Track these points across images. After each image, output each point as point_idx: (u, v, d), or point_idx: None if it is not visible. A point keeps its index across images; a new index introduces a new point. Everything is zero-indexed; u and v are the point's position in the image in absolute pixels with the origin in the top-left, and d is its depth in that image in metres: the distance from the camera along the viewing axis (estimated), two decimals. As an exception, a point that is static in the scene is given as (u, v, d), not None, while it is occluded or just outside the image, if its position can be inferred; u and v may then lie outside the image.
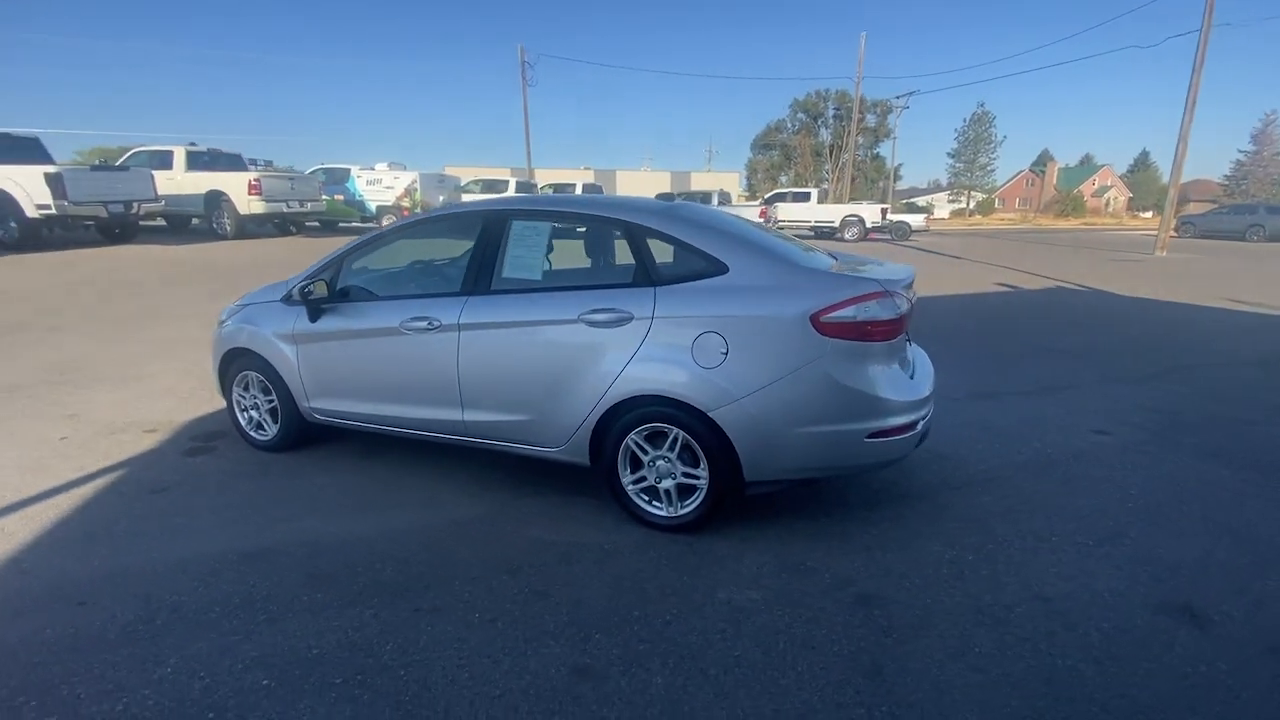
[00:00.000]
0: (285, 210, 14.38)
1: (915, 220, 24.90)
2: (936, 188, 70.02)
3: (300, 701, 1.78)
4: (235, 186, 13.36)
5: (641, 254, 2.68)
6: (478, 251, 2.95)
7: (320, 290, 3.15)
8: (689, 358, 2.49)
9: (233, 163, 14.36)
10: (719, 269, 2.56)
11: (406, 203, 16.45)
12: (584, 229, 2.99)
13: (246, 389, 3.58)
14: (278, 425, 3.51)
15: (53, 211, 10.21)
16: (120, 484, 3.17)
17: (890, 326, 2.45)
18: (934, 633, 2.07)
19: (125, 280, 9.12)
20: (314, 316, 3.22)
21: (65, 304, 7.44)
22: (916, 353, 3.17)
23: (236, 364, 3.56)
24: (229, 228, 13.50)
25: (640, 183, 41.49)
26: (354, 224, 17.97)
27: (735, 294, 2.50)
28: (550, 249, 3.04)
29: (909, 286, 2.68)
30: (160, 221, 14.76)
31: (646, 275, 2.65)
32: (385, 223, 11.25)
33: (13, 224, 10.35)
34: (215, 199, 13.50)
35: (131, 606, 2.21)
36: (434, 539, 2.68)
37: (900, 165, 58.29)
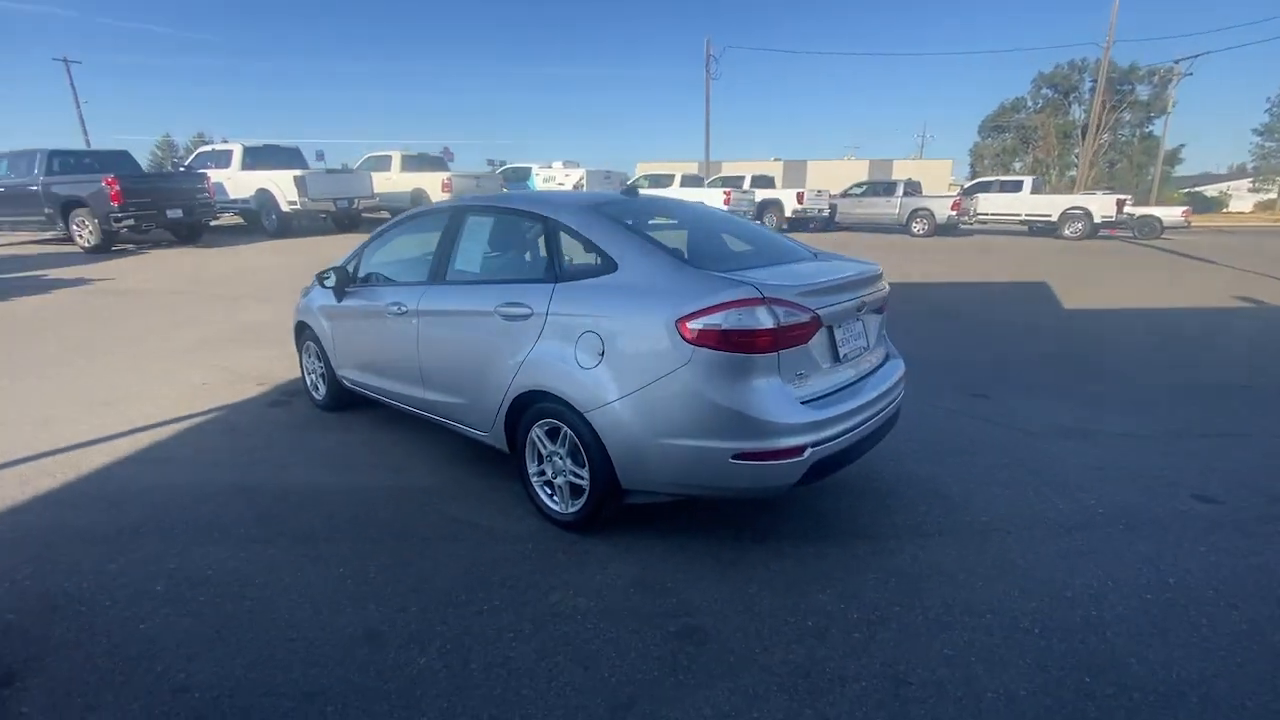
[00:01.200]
0: (471, 204, 16.41)
1: (1169, 214, 20.06)
2: (1240, 173, 55.26)
3: (161, 610, 2.19)
4: (432, 185, 15.65)
5: (552, 249, 2.70)
6: (440, 245, 3.20)
7: (335, 277, 3.67)
8: (573, 356, 2.47)
9: (435, 164, 16.81)
10: (609, 267, 2.48)
11: None
12: (520, 224, 3.07)
13: (309, 356, 4.30)
14: (326, 387, 4.16)
15: (298, 207, 12.98)
16: (208, 424, 4.03)
17: (769, 338, 2.16)
18: (727, 685, 1.83)
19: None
20: (339, 297, 3.76)
21: (277, 280, 9.43)
22: (892, 366, 2.73)
23: (304, 334, 4.29)
24: (426, 220, 15.82)
25: (833, 173, 39.13)
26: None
27: (616, 293, 2.41)
28: (499, 243, 3.18)
29: (821, 293, 2.32)
30: (384, 214, 17.78)
31: (553, 271, 2.66)
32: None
33: (273, 216, 13.41)
34: (418, 196, 15.93)
35: (136, 514, 2.86)
36: (372, 499, 3.00)
37: (1181, 146, 46.30)
